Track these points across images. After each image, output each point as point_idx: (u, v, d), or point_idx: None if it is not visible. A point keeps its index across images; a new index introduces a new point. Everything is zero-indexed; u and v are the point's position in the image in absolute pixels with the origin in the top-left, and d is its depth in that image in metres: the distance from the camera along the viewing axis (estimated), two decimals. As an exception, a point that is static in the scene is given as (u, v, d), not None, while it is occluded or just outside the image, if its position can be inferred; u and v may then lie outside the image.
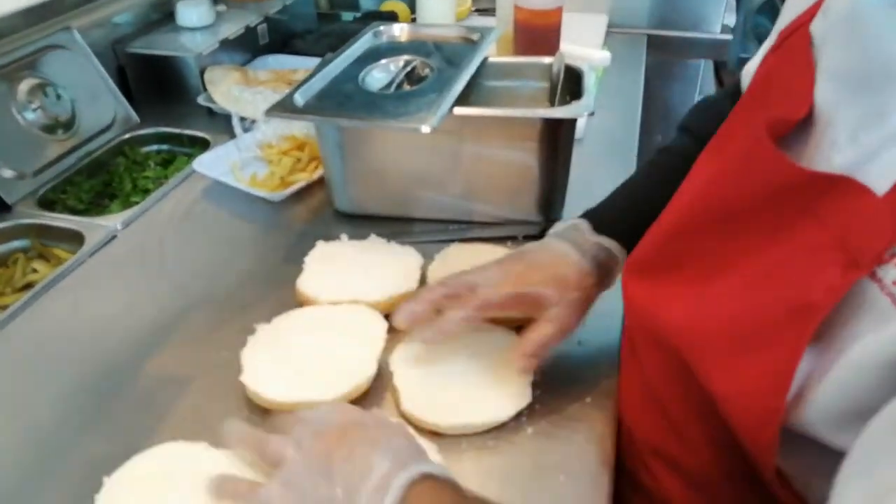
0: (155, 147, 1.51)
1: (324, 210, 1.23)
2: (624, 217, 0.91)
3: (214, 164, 1.30)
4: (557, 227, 0.92)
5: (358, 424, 0.66)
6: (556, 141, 1.07)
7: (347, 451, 0.62)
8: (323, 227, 1.18)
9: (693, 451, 0.73)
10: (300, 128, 1.31)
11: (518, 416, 0.82)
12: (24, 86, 1.33)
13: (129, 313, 1.02)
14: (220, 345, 0.93)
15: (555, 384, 0.86)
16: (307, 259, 1.02)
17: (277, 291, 1.01)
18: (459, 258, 1.03)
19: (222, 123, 1.47)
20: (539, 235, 1.07)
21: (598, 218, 0.90)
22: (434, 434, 0.80)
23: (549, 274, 0.83)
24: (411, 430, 0.74)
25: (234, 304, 1.02)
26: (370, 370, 0.82)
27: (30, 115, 1.33)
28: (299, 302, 0.97)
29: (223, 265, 1.12)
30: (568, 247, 0.85)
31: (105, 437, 0.83)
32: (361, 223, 1.14)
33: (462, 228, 1.15)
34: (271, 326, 0.90)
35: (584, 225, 0.89)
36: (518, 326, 0.87)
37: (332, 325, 0.90)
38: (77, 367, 0.93)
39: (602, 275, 0.85)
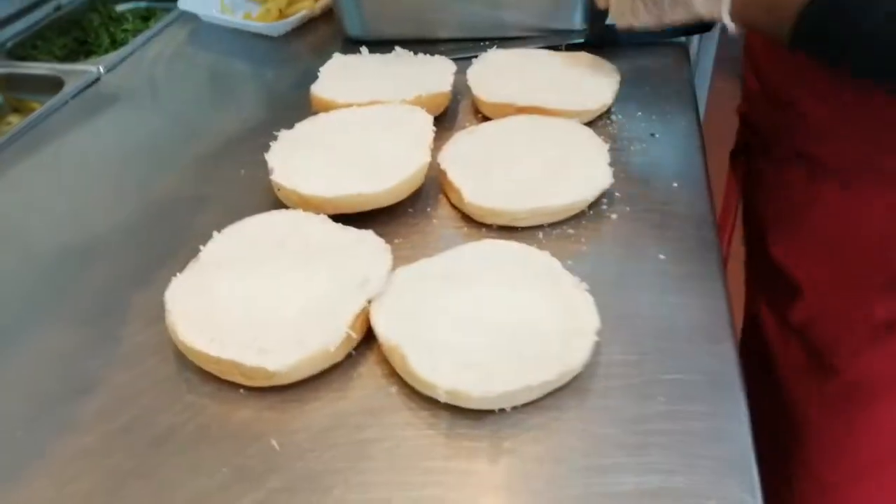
0: (132, 4, 1.34)
1: (332, 42, 1.08)
2: None
3: (203, 3, 1.14)
4: None
5: None
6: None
7: None
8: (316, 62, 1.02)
9: None
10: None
11: (596, 204, 0.70)
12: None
13: (120, 147, 0.88)
14: (234, 164, 0.80)
15: (633, 174, 0.74)
16: (322, 69, 0.89)
17: (288, 113, 0.84)
18: (502, 61, 0.89)
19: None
20: (583, 45, 0.94)
21: None
22: (505, 229, 0.68)
23: None
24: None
25: (243, 129, 0.89)
26: (423, 158, 0.70)
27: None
28: (316, 112, 0.83)
29: (224, 98, 0.98)
30: None
31: (119, 258, 0.71)
32: (377, 51, 0.97)
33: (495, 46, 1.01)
34: (296, 132, 0.77)
35: None
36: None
37: (367, 123, 0.77)
38: (77, 196, 0.80)
39: None
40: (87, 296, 0.66)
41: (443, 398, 0.51)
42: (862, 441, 0.80)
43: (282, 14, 1.10)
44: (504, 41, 0.99)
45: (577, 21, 0.99)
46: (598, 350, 0.55)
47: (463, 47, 0.98)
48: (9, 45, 1.14)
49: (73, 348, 0.61)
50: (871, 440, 0.79)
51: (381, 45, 0.96)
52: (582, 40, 0.97)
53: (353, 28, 1.04)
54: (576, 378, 0.54)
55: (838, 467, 0.81)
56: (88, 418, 0.55)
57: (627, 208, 0.70)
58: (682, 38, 0.97)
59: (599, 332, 0.55)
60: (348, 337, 0.55)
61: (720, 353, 0.56)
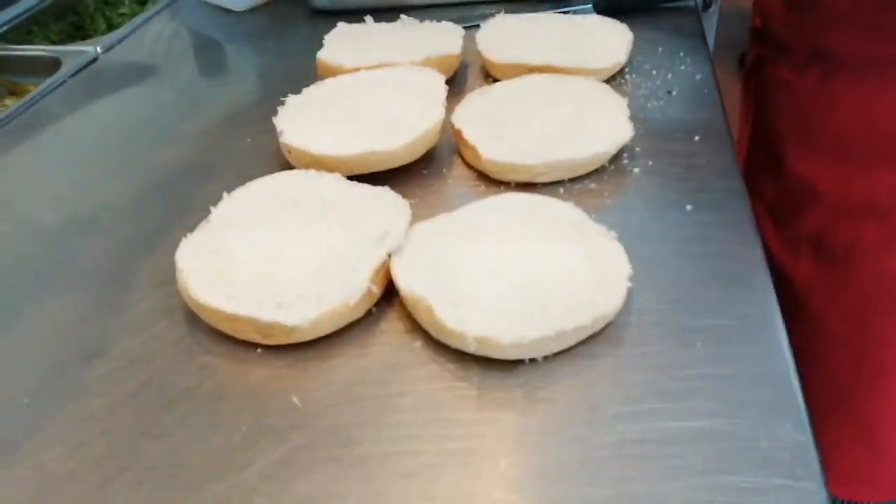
0: (127, -12, 1.31)
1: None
2: None
3: None
4: None
5: None
6: None
7: None
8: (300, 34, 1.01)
9: None
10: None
11: (617, 159, 0.68)
12: None
13: (121, 124, 0.86)
14: (239, 133, 0.78)
15: (652, 129, 0.72)
16: (327, 37, 0.86)
17: (293, 84, 0.80)
18: (510, 26, 0.87)
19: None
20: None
21: None
22: (525, 186, 0.66)
23: None
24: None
25: (247, 100, 0.87)
26: (436, 115, 0.67)
27: (-23, -57, 1.13)
28: (323, 77, 0.81)
29: (226, 72, 0.97)
30: None
31: (125, 227, 0.68)
32: (332, 23, 0.91)
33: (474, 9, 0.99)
34: (303, 96, 0.75)
35: None
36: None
37: (377, 84, 0.74)
38: (78, 171, 0.78)
39: None
40: (91, 263, 0.64)
41: (472, 348, 0.49)
42: (883, 343, 0.79)
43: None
44: (479, 5, 0.98)
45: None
46: (630, 298, 0.52)
47: (441, 15, 0.94)
48: (3, 29, 1.11)
49: (79, 315, 0.59)
50: (892, 341, 0.79)
51: (348, 14, 0.94)
52: (580, 6, 0.95)
53: None
54: (608, 326, 0.51)
55: (860, 373, 0.81)
56: (98, 383, 0.52)
57: (650, 162, 0.68)
58: (690, 2, 0.95)
59: (631, 280, 0.52)
60: (369, 291, 0.52)
61: (758, 298, 0.54)
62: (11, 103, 1.00)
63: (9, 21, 1.14)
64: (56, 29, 1.18)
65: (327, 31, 0.88)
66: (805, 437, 0.43)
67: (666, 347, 0.50)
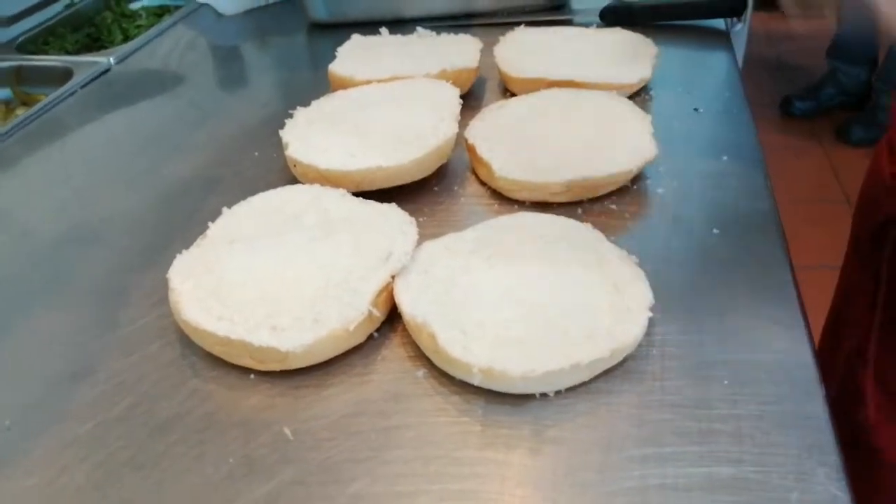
0: (146, 1, 1.31)
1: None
2: None
3: None
4: None
5: None
6: None
7: None
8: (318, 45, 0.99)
9: None
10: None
11: (640, 179, 0.65)
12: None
13: (129, 134, 0.84)
14: (247, 146, 0.76)
15: (678, 148, 0.68)
16: (340, 49, 0.84)
17: (304, 95, 0.77)
18: (530, 39, 0.84)
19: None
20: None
21: None
22: (541, 205, 0.62)
23: None
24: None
25: (258, 112, 0.84)
26: (450, 130, 0.64)
27: (-2, -47, 1.12)
28: (335, 90, 0.78)
29: (238, 84, 0.95)
30: None
31: (123, 241, 0.66)
32: (343, 36, 0.88)
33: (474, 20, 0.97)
34: (313, 109, 0.72)
35: None
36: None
37: (389, 98, 0.72)
38: (82, 182, 0.76)
39: None
40: (86, 279, 0.62)
41: (477, 380, 0.45)
42: None
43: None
44: (477, 17, 0.98)
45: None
46: (650, 328, 0.49)
47: (441, 26, 0.92)
48: (20, 40, 1.11)
49: (69, 333, 0.56)
50: None
51: (346, 28, 0.92)
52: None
53: (317, 12, 1.01)
54: (627, 359, 0.48)
55: None
56: (83, 406, 0.49)
57: (675, 183, 0.64)
58: (721, 23, 0.91)
59: (652, 309, 0.48)
60: (370, 315, 0.49)
61: (789, 333, 0.49)
62: (22, 113, 0.99)
63: (26, 32, 1.14)
64: (72, 40, 1.18)
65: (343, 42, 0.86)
66: (841, 492, 0.39)
67: (689, 383, 0.46)
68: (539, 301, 0.49)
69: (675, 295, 0.52)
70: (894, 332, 0.74)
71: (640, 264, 0.52)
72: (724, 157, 0.66)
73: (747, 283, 0.53)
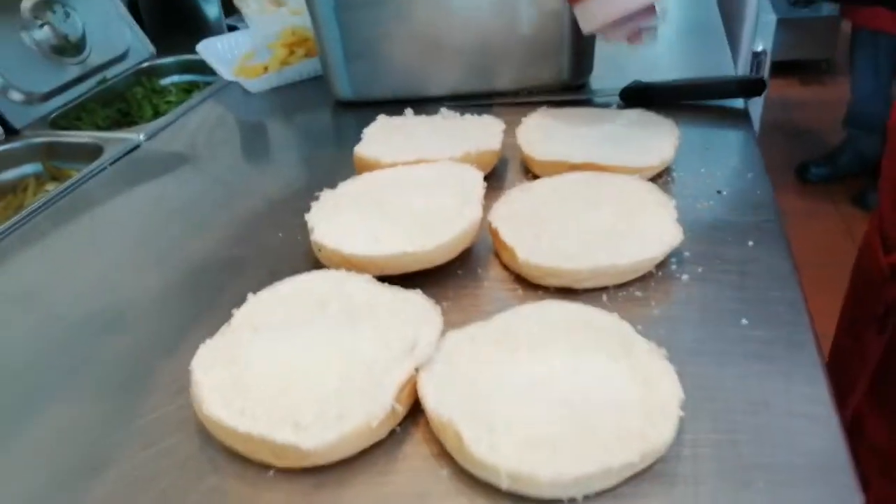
0: (176, 77, 1.35)
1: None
2: None
3: (221, 52, 1.18)
4: None
5: None
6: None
7: None
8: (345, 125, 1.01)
9: None
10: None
11: (664, 265, 0.64)
12: (28, 2, 1.18)
13: (157, 212, 0.85)
14: (273, 227, 0.76)
15: (702, 232, 0.68)
16: (366, 130, 0.85)
17: (331, 176, 0.79)
18: (551, 120, 0.85)
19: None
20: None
21: None
22: (565, 291, 0.62)
23: None
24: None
25: (284, 191, 0.85)
26: (474, 214, 0.64)
27: (37, 34, 1.17)
28: (360, 171, 0.79)
29: (266, 162, 0.96)
30: None
31: (146, 325, 0.66)
32: (369, 114, 0.90)
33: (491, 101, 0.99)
34: (338, 191, 0.73)
35: None
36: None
37: (413, 181, 0.72)
38: (108, 262, 0.76)
39: None
40: (107, 365, 0.61)
41: (504, 484, 0.44)
42: None
43: (265, 69, 1.13)
44: (498, 96, 1.00)
45: (566, 74, 0.99)
46: (682, 427, 0.47)
47: (464, 105, 0.94)
48: (53, 116, 1.14)
49: (86, 423, 0.55)
50: None
51: (370, 107, 0.94)
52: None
53: (342, 90, 1.03)
54: (658, 461, 0.46)
55: None
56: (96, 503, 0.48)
57: (699, 269, 0.63)
58: (740, 102, 0.92)
59: (683, 406, 0.47)
60: (393, 411, 0.48)
61: (825, 431, 0.48)
62: (52, 188, 1.01)
63: (59, 108, 1.17)
64: (103, 115, 1.21)
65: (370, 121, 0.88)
66: None
67: (724, 486, 0.45)
68: (567, 397, 0.48)
69: (706, 390, 0.51)
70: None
71: (669, 357, 0.51)
72: (750, 243, 0.66)
73: (780, 377, 0.52)
